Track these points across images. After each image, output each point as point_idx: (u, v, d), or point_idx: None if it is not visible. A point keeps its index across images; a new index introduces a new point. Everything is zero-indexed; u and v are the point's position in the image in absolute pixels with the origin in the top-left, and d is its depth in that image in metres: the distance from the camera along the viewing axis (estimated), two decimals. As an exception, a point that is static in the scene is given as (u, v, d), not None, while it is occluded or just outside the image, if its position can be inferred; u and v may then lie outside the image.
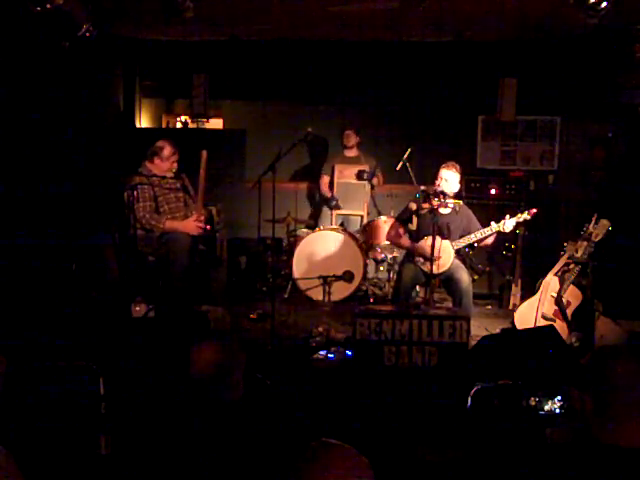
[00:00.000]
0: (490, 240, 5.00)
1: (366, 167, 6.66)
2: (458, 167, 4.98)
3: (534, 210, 4.95)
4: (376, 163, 6.80)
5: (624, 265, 5.20)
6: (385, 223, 6.04)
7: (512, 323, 4.98)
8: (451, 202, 4.84)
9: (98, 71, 6.21)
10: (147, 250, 4.94)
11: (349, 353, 4.45)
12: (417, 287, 5.53)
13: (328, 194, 6.75)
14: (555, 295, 4.83)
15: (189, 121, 7.30)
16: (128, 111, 7.15)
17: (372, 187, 6.66)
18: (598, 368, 1.84)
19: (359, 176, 6.50)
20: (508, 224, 4.85)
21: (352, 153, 6.80)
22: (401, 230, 5.10)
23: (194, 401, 2.21)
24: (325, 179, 6.84)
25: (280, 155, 5.02)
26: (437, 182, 4.92)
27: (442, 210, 4.85)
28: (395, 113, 7.24)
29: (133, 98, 7.22)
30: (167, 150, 5.02)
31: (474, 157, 7.18)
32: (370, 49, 6.67)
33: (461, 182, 5.06)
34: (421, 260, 4.91)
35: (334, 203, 6.62)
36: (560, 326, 4.60)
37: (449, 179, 4.91)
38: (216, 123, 7.52)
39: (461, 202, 4.99)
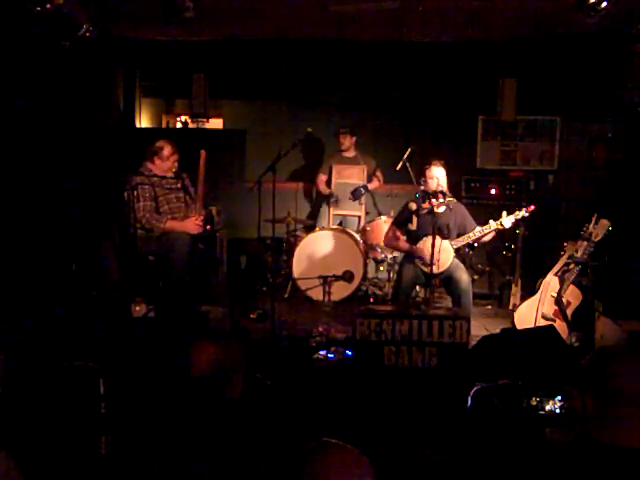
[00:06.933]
0: (488, 237, 5.01)
1: (364, 168, 6.67)
2: (443, 162, 4.99)
3: (532, 207, 4.95)
4: (375, 163, 6.80)
5: (624, 265, 5.20)
6: (385, 223, 6.04)
7: (512, 323, 4.98)
8: (446, 200, 4.85)
9: (98, 71, 6.21)
10: (147, 250, 4.94)
11: (349, 353, 4.45)
12: (417, 287, 5.53)
13: (326, 191, 6.74)
14: (555, 295, 4.83)
15: (189, 121, 7.29)
16: (128, 111, 7.15)
17: (369, 192, 6.62)
18: (598, 368, 1.84)
19: (354, 196, 6.47)
20: (506, 221, 4.85)
21: (350, 153, 6.79)
22: (398, 233, 5.10)
23: (194, 401, 2.21)
24: (322, 178, 6.82)
25: (280, 155, 5.02)
26: (429, 182, 4.91)
27: (437, 210, 4.84)
28: (395, 113, 7.24)
29: (133, 98, 7.21)
30: (167, 150, 5.02)
31: (474, 157, 7.17)
32: (370, 49, 6.67)
33: (449, 179, 5.06)
34: (421, 261, 4.92)
35: (333, 199, 6.60)
36: (560, 326, 4.60)
37: (440, 176, 4.92)
38: (216, 123, 7.52)
39: (454, 199, 4.99)
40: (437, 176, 4.91)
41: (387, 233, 5.25)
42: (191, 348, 2.27)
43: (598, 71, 6.39)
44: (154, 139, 5.15)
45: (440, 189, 4.83)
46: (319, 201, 7.05)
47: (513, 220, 4.88)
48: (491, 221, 4.90)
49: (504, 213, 4.88)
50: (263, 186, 5.00)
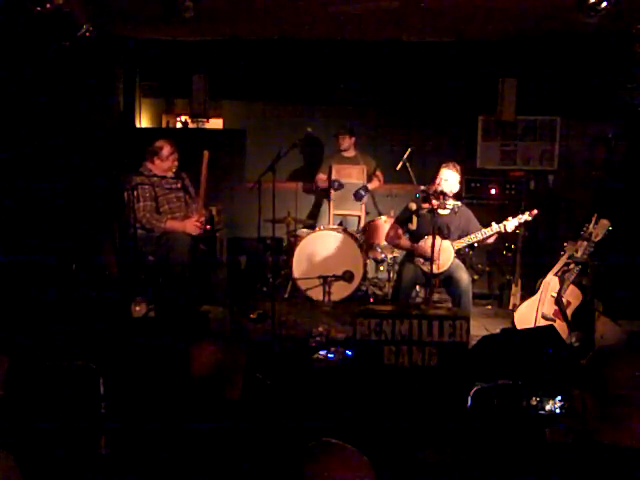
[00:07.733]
0: (491, 239, 5.02)
1: (364, 168, 6.66)
2: (458, 167, 4.99)
3: (535, 211, 4.97)
4: (375, 163, 6.80)
5: (624, 265, 5.20)
6: (385, 223, 6.05)
7: (512, 323, 4.98)
8: (450, 203, 4.87)
9: (98, 71, 6.20)
10: (147, 250, 4.94)
11: (349, 353, 4.45)
12: (417, 287, 5.53)
13: (326, 185, 6.72)
14: (555, 295, 4.83)
15: (189, 121, 7.29)
16: (128, 111, 7.15)
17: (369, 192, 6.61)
18: (598, 368, 1.84)
19: (356, 197, 6.46)
20: (509, 225, 4.88)
21: (350, 153, 6.78)
22: (400, 231, 5.11)
23: (194, 401, 2.21)
24: (322, 177, 6.82)
25: (280, 155, 5.02)
26: (437, 182, 4.93)
27: (440, 211, 4.85)
28: (395, 113, 7.24)
29: (133, 98, 7.21)
30: (166, 149, 5.02)
31: (474, 157, 7.18)
32: (370, 49, 6.67)
33: (461, 183, 5.07)
34: (421, 260, 4.92)
35: (336, 185, 6.56)
36: (560, 326, 4.60)
37: (449, 179, 4.92)
38: (216, 123, 7.52)
39: (459, 203, 5.00)
40: (443, 178, 4.92)
41: (389, 232, 5.26)
42: (191, 348, 2.28)
43: (598, 71, 6.39)
44: (154, 139, 5.14)
45: (440, 190, 4.83)
46: (319, 201, 7.05)
47: (517, 224, 4.91)
48: (494, 224, 4.91)
49: (510, 218, 4.90)
50: (263, 186, 5.00)
